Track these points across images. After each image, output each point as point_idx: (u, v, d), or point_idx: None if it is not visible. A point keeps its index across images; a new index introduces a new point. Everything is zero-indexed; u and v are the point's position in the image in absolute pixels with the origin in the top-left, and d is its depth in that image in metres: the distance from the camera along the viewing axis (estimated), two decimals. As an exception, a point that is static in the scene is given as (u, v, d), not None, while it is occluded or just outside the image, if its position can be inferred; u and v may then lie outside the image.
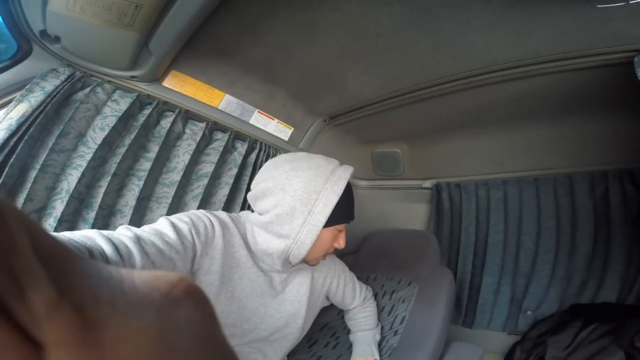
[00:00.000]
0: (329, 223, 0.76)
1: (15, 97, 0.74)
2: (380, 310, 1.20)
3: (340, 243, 0.85)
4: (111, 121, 0.90)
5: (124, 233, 0.56)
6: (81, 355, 0.11)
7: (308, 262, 0.84)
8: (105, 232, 0.53)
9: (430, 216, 1.74)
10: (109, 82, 0.88)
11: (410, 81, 1.09)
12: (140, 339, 0.12)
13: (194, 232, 0.69)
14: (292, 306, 0.90)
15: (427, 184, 1.70)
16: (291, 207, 0.74)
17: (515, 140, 1.39)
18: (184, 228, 0.67)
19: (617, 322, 1.18)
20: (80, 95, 0.84)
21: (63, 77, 0.78)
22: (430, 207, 1.75)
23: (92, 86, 0.85)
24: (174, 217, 0.70)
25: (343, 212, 0.79)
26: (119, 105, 0.90)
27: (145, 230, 0.61)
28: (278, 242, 0.76)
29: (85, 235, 0.49)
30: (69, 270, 0.12)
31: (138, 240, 0.56)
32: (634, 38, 0.78)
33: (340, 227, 0.83)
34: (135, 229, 0.60)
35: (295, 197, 0.74)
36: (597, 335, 1.18)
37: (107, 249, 0.49)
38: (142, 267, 0.52)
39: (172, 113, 1.04)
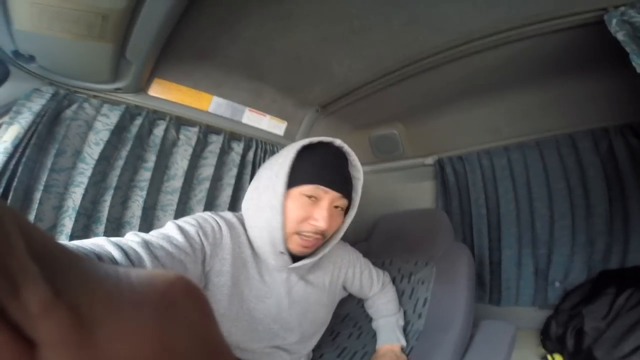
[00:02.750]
0: (293, 183, 0.73)
1: (3, 121, 0.76)
2: (400, 294, 1.18)
3: (318, 217, 0.73)
4: (104, 135, 0.92)
5: (132, 239, 0.57)
6: (75, 355, 0.11)
7: (290, 246, 0.76)
8: (113, 238, 0.53)
9: (437, 193, 1.72)
10: (95, 96, 0.89)
11: (393, 59, 1.08)
12: (136, 339, 0.12)
13: (201, 234, 0.70)
14: (303, 308, 0.87)
15: (429, 160, 1.68)
16: (266, 177, 0.76)
17: (509, 106, 1.38)
18: (191, 230, 0.68)
19: (653, 286, 1.11)
20: (69, 112, 0.86)
21: (47, 96, 0.79)
22: (436, 183, 1.72)
23: (78, 102, 0.87)
24: (181, 221, 0.71)
25: (308, 170, 0.73)
26: (109, 118, 0.92)
27: (153, 235, 0.62)
28: (258, 221, 0.76)
29: (94, 243, 0.50)
30: (65, 269, 0.12)
31: (147, 244, 0.57)
32: None
33: (308, 190, 0.73)
34: (143, 234, 0.60)
35: (268, 169, 0.77)
36: (635, 301, 1.12)
37: (117, 254, 0.49)
38: None
39: (163, 121, 1.05)
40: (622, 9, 0.77)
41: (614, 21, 0.76)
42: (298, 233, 0.75)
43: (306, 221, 0.74)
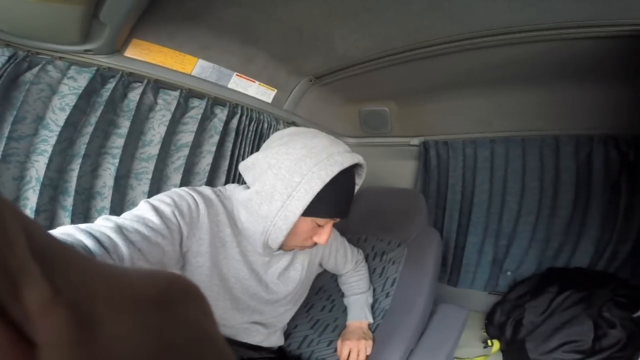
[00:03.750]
0: (309, 212, 0.68)
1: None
2: (371, 272, 1.22)
3: (321, 239, 0.76)
4: (71, 100, 0.80)
5: (104, 224, 0.52)
6: (74, 354, 0.11)
7: (283, 248, 0.79)
8: (83, 225, 0.49)
9: (418, 173, 1.75)
10: (61, 58, 0.76)
11: (402, 41, 1.00)
12: (135, 338, 0.12)
13: (177, 214, 0.65)
14: (277, 288, 0.89)
15: (415, 141, 1.69)
16: (272, 186, 0.68)
17: (505, 102, 1.36)
18: (167, 210, 0.63)
19: (588, 290, 1.24)
20: (28, 75, 0.73)
21: (3, 59, 0.66)
22: (418, 164, 1.74)
23: (41, 65, 0.74)
24: (155, 200, 0.65)
25: (329, 205, 0.70)
26: (77, 82, 0.80)
27: (126, 218, 0.57)
28: (256, 222, 0.72)
29: (64, 232, 0.46)
30: (65, 267, 0.12)
31: (120, 229, 0.53)
32: None
33: (321, 221, 0.73)
34: (115, 218, 0.56)
35: (277, 176, 0.67)
36: (571, 302, 1.24)
37: (89, 242, 0.46)
38: (129, 256, 0.50)
39: (140, 84, 0.93)
40: None
41: None
42: (300, 245, 0.79)
43: (310, 238, 0.76)
